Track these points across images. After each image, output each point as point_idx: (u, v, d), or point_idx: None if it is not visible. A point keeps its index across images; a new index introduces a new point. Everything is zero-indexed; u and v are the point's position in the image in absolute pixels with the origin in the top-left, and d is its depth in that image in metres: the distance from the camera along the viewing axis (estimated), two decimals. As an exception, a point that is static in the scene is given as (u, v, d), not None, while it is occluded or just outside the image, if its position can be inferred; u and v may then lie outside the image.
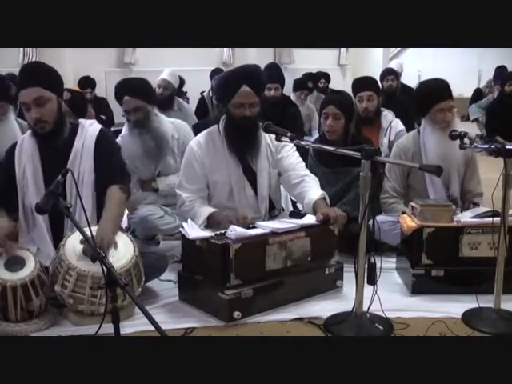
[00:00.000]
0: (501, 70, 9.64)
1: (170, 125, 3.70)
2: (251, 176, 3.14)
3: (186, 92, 7.47)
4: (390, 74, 6.47)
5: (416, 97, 3.55)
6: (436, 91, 3.38)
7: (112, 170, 2.89)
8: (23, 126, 3.77)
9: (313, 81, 7.91)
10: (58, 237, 2.77)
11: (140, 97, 3.49)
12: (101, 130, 2.95)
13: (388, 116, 4.52)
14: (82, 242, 2.56)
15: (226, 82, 3.09)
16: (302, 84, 7.29)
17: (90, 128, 2.93)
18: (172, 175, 3.61)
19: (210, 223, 2.97)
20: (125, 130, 3.67)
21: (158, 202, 3.62)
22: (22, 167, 2.86)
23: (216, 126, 3.18)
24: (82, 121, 2.98)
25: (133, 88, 3.52)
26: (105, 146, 2.91)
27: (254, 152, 3.11)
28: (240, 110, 3.01)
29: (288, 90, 7.18)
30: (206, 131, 3.23)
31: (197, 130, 3.79)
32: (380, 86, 6.25)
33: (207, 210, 3.01)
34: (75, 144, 2.86)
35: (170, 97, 5.65)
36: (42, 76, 2.77)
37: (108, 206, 2.78)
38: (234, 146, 3.09)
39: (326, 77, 9.08)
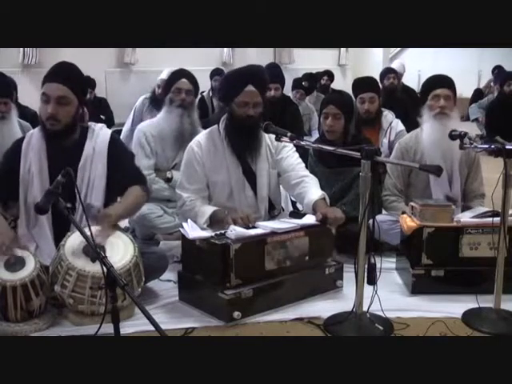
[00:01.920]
0: (499, 70, 9.65)
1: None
2: (251, 177, 3.14)
3: None
4: (390, 72, 6.50)
5: (421, 89, 3.62)
6: (435, 79, 3.48)
7: (130, 173, 2.92)
8: (24, 127, 3.78)
9: (310, 81, 7.88)
10: (60, 234, 2.76)
11: (194, 85, 3.80)
12: (112, 135, 2.97)
13: (388, 116, 4.53)
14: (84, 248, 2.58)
15: (231, 81, 3.09)
16: (296, 83, 7.31)
17: (100, 132, 2.94)
18: None
19: (212, 221, 2.97)
20: (162, 111, 3.79)
21: (169, 191, 3.63)
22: (28, 163, 2.85)
23: (216, 125, 3.18)
24: (91, 124, 2.99)
25: (191, 76, 3.84)
26: (118, 151, 2.94)
27: (254, 152, 3.11)
28: (244, 109, 3.01)
29: (288, 90, 7.18)
30: (205, 131, 3.23)
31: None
32: (380, 85, 6.28)
33: (209, 209, 3.01)
34: (86, 148, 2.87)
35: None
36: (76, 79, 2.83)
37: (126, 196, 2.81)
38: (235, 146, 3.09)
39: (330, 74, 9.06)
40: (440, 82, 3.42)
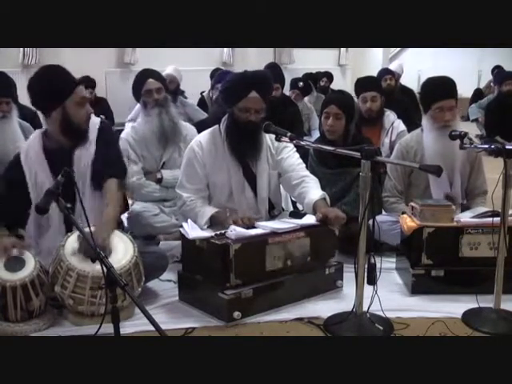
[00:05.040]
0: (498, 70, 9.66)
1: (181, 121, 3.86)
2: (251, 178, 3.14)
3: (184, 91, 7.46)
4: (387, 73, 6.50)
5: (420, 92, 3.55)
6: (438, 89, 3.35)
7: (110, 160, 2.90)
8: (24, 127, 3.78)
9: (306, 81, 7.87)
10: None
11: (161, 81, 3.80)
12: (101, 122, 2.97)
13: (390, 116, 4.53)
14: (78, 238, 2.57)
15: (236, 85, 3.07)
16: (292, 84, 7.33)
17: (90, 121, 2.91)
18: (177, 170, 3.62)
19: (212, 223, 2.97)
20: (140, 115, 3.80)
21: (161, 192, 3.64)
22: (34, 177, 2.83)
23: (217, 126, 3.17)
24: None
25: (155, 73, 3.84)
26: (105, 136, 2.93)
27: (255, 154, 3.10)
28: (245, 114, 3.01)
29: (288, 90, 7.18)
30: (207, 131, 3.22)
31: (197, 129, 3.81)
32: (379, 86, 6.27)
33: (210, 210, 3.01)
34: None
35: (174, 91, 5.73)
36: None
37: (109, 200, 2.78)
38: (235, 148, 3.08)
39: (329, 76, 9.07)
40: (444, 93, 3.31)
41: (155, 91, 3.69)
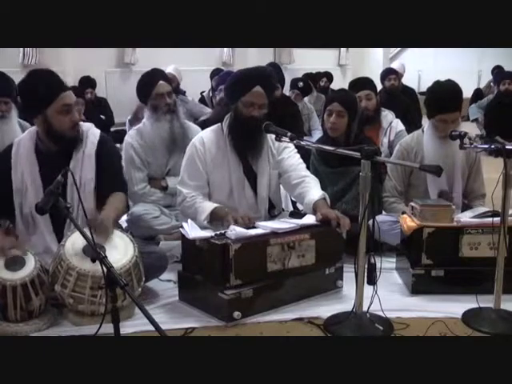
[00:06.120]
0: (498, 70, 9.67)
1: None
2: (251, 177, 3.14)
3: (185, 92, 7.48)
4: (391, 73, 6.51)
5: (426, 97, 3.51)
6: (444, 102, 3.29)
7: (115, 177, 2.91)
8: (24, 127, 3.78)
9: (306, 81, 7.89)
10: (61, 239, 2.74)
11: (170, 84, 3.66)
12: (101, 136, 2.93)
13: (388, 116, 4.54)
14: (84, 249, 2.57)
15: (241, 80, 3.09)
16: (292, 84, 7.35)
17: (89, 133, 2.89)
18: None
19: (212, 218, 2.97)
20: (147, 119, 3.60)
21: (165, 200, 3.58)
22: (20, 172, 2.81)
23: (220, 124, 3.18)
24: (80, 124, 2.90)
25: (165, 75, 3.71)
26: (106, 152, 2.91)
27: (256, 153, 3.11)
28: (249, 109, 3.02)
29: (288, 90, 7.20)
30: (209, 129, 3.22)
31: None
32: (381, 85, 6.30)
33: (210, 206, 3.00)
34: (75, 150, 2.83)
35: (174, 90, 5.75)
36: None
37: (111, 200, 2.79)
38: (237, 145, 3.09)
39: (329, 76, 9.09)
40: (450, 107, 3.28)
41: (167, 95, 3.53)
